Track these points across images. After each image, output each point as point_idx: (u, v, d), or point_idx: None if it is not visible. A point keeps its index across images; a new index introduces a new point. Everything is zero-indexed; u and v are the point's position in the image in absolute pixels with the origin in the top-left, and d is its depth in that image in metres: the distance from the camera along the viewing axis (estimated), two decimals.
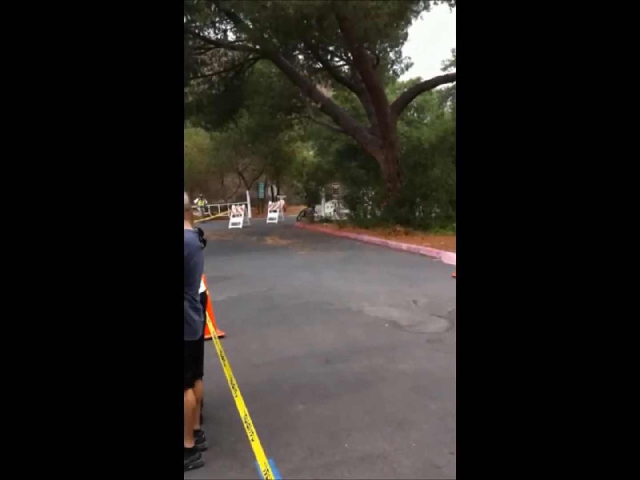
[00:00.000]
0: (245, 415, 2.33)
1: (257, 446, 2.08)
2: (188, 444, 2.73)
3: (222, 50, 16.23)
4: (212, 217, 24.70)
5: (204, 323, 2.98)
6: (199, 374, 2.91)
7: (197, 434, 2.86)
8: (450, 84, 21.25)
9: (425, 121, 24.32)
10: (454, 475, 2.46)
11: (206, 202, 28.44)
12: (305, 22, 12.05)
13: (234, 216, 21.06)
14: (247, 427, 2.25)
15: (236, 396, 2.52)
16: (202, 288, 3.09)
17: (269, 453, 2.68)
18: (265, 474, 1.89)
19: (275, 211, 22.58)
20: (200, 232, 2.80)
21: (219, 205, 28.77)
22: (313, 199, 20.25)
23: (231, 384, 2.65)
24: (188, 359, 2.71)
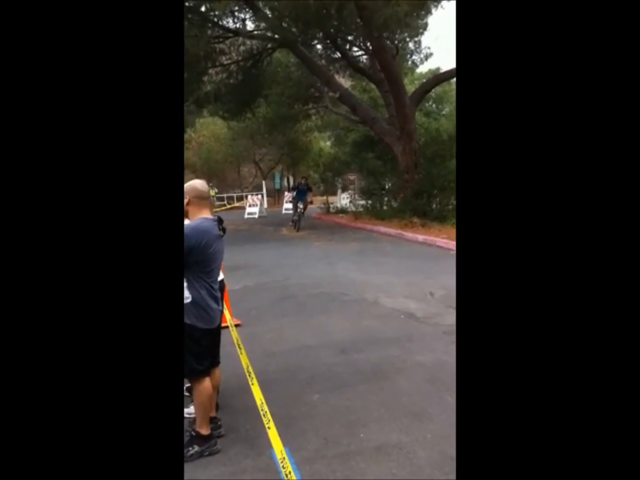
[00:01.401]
0: (262, 402, 2.34)
1: (273, 434, 2.08)
2: (204, 431, 2.74)
3: (240, 39, 16.18)
4: (229, 206, 24.76)
5: (222, 311, 2.99)
6: (216, 362, 2.93)
7: (213, 421, 2.88)
8: None
9: (443, 112, 24.05)
10: None
11: (217, 190, 28.20)
12: (324, 10, 11.98)
13: (250, 206, 21.09)
14: (264, 415, 2.25)
15: (252, 384, 2.53)
16: (221, 276, 3.09)
17: (284, 441, 2.67)
18: (282, 462, 1.89)
19: (291, 202, 22.56)
20: (219, 220, 2.80)
21: (235, 195, 28.82)
22: (299, 198, 15.06)
23: (247, 371, 2.66)
24: (206, 348, 2.73)
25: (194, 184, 2.79)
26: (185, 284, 2.62)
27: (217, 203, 26.57)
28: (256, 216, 20.26)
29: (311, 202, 15.88)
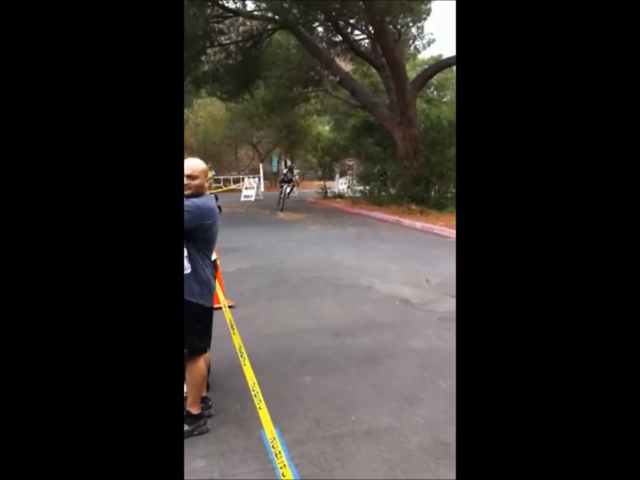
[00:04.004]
0: (253, 383, 2.31)
1: (264, 414, 2.05)
2: (195, 410, 2.72)
3: (240, 19, 15.98)
4: (225, 188, 24.62)
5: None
6: (208, 343, 2.91)
7: (203, 400, 2.86)
8: None
9: (444, 99, 23.89)
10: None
11: (214, 172, 27.84)
12: None
13: (246, 189, 20.98)
14: (255, 396, 2.23)
15: (244, 364, 2.50)
16: (214, 256, 3.06)
17: (274, 423, 2.65)
18: (272, 442, 1.87)
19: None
20: (216, 198, 2.79)
21: (231, 178, 28.65)
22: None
23: (240, 352, 2.63)
24: (207, 325, 2.80)
25: (202, 164, 2.74)
26: (189, 263, 2.60)
27: (214, 185, 26.36)
28: (252, 199, 20.16)
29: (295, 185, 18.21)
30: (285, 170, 17.23)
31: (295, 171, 17.17)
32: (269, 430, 1.92)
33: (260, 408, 2.10)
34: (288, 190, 16.59)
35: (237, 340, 2.72)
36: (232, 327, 2.95)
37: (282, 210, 15.42)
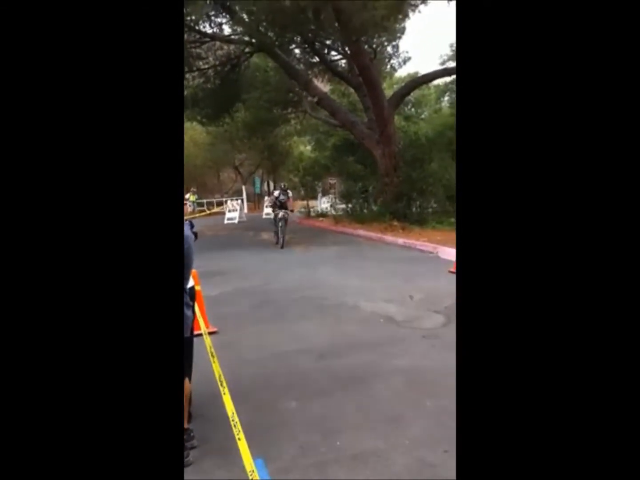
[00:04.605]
0: (233, 413, 2.26)
1: (243, 446, 2.00)
2: None
3: (217, 43, 16.11)
4: (208, 212, 24.52)
5: (193, 319, 2.92)
6: (187, 372, 2.84)
7: (185, 432, 2.79)
8: (448, 79, 21.13)
9: (422, 116, 24.25)
10: (448, 474, 2.40)
11: (197, 197, 27.75)
12: (301, 15, 11.94)
13: (229, 211, 20.93)
14: (234, 426, 2.18)
15: (224, 394, 2.45)
16: (191, 283, 3.02)
17: (259, 450, 2.61)
18: (251, 475, 1.82)
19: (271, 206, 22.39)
20: (191, 225, 2.75)
21: (214, 200, 28.58)
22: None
23: (219, 381, 2.58)
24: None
25: None
26: None
27: (198, 209, 26.26)
28: (236, 221, 20.11)
29: (292, 211, 12.82)
30: (277, 192, 12.46)
31: (290, 193, 12.31)
32: (248, 462, 1.88)
33: (239, 439, 2.05)
34: (283, 220, 11.72)
35: (216, 368, 2.68)
36: (212, 355, 2.91)
37: (282, 247, 11.49)
